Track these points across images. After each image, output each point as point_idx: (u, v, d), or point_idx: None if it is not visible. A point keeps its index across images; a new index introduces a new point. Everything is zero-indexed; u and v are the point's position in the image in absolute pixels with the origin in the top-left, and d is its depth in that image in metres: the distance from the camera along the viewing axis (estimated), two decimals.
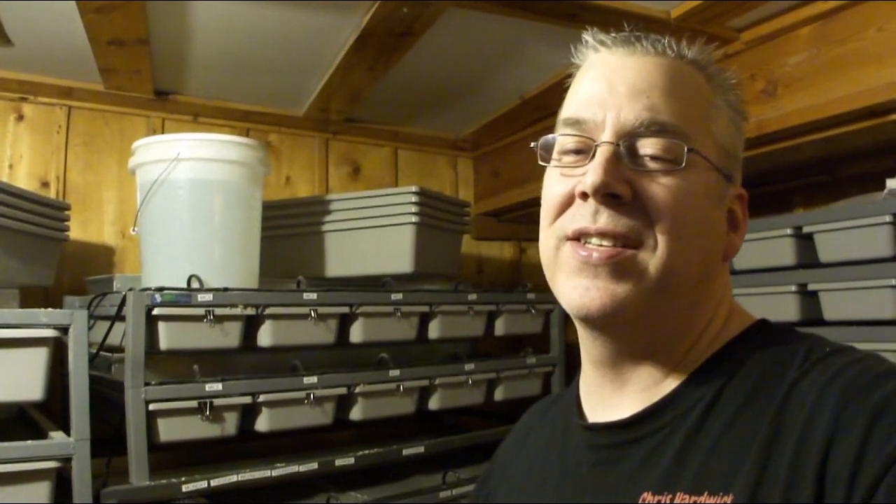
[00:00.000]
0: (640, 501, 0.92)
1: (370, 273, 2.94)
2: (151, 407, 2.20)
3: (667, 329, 1.00)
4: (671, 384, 0.99)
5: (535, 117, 3.44)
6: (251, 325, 2.48)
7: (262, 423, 2.44)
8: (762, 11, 2.40)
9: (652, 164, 0.96)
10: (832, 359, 0.90)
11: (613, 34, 1.04)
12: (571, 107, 1.03)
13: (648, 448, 0.96)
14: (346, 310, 2.64)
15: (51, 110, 3.10)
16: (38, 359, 1.97)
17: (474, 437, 3.07)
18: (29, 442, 1.97)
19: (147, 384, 2.20)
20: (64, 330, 2.03)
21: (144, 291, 2.25)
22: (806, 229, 2.29)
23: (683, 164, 0.95)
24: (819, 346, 0.94)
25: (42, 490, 1.94)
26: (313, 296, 2.55)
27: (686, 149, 0.95)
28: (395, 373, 2.72)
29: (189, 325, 2.31)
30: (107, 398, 2.32)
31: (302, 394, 2.49)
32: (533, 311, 3.19)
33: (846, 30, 2.25)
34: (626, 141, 0.96)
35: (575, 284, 0.97)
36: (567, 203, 1.00)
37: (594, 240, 0.96)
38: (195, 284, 2.37)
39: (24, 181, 2.97)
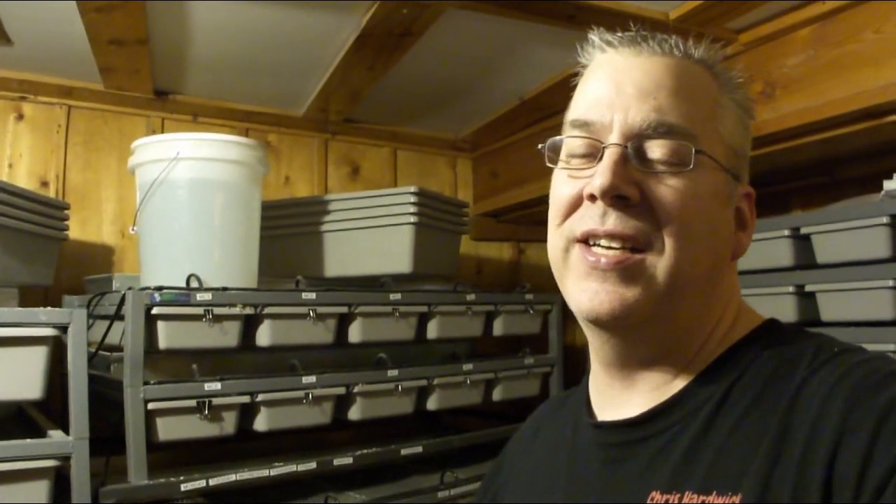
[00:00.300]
0: (648, 500, 0.92)
1: (369, 273, 2.95)
2: (150, 406, 2.20)
3: (676, 330, 1.00)
4: (680, 383, 1.00)
5: (535, 118, 3.44)
6: (250, 325, 2.48)
7: (261, 423, 2.45)
8: (761, 13, 2.41)
9: (660, 166, 0.96)
10: (841, 359, 0.90)
11: (620, 34, 1.04)
12: (579, 108, 1.03)
13: (657, 447, 0.96)
14: (344, 310, 2.65)
15: (50, 109, 3.11)
16: (37, 358, 1.97)
17: (472, 437, 3.07)
18: (28, 440, 1.97)
19: (146, 383, 2.20)
20: (63, 329, 2.03)
21: (143, 291, 2.25)
22: (804, 230, 2.30)
23: (691, 166, 0.95)
24: (827, 346, 0.94)
25: (41, 489, 1.94)
26: (312, 295, 2.55)
27: (694, 150, 0.95)
28: (393, 373, 2.73)
29: (188, 324, 2.31)
30: (106, 397, 2.32)
31: (300, 393, 2.49)
32: (531, 311, 3.20)
33: (844, 31, 2.25)
34: (634, 142, 0.96)
35: (584, 288, 0.97)
36: (575, 205, 1.00)
37: (603, 242, 0.96)
38: (194, 284, 2.37)
39: (23, 180, 2.97)
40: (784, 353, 0.95)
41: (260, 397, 2.41)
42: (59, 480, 2.00)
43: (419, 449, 2.80)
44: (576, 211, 1.00)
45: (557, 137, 1.05)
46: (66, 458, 1.99)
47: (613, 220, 0.95)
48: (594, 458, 1.05)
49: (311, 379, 2.52)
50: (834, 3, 2.24)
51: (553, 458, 1.16)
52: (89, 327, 2.16)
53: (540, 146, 1.07)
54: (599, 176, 0.94)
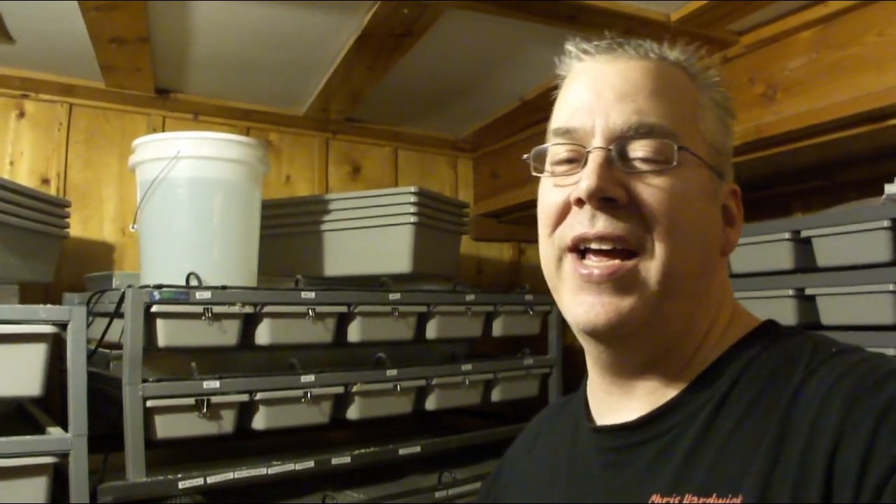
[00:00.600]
0: (649, 503, 0.92)
1: (368, 273, 2.95)
2: (149, 404, 2.20)
3: (672, 332, 1.00)
4: (679, 387, 1.00)
5: (535, 119, 3.44)
6: (249, 324, 2.48)
7: (259, 422, 2.44)
8: (762, 15, 2.41)
9: (644, 166, 0.96)
10: (839, 358, 0.90)
11: (595, 42, 1.05)
12: (561, 117, 1.04)
13: (657, 450, 0.96)
14: (344, 309, 2.64)
15: (52, 107, 3.11)
16: (36, 355, 1.97)
17: (471, 437, 3.07)
18: (27, 437, 1.97)
19: (145, 381, 2.20)
20: (63, 326, 2.03)
21: (143, 289, 2.25)
22: (804, 233, 2.29)
23: (675, 163, 0.96)
24: (825, 346, 0.94)
25: (39, 485, 1.94)
26: (311, 295, 2.55)
27: (676, 148, 0.96)
28: (392, 372, 2.73)
29: (187, 322, 2.31)
30: (105, 395, 2.32)
31: (299, 392, 2.49)
32: (531, 312, 3.19)
33: (846, 34, 2.25)
34: (617, 145, 0.97)
35: (580, 301, 0.98)
36: (564, 211, 1.00)
37: (593, 245, 0.96)
38: (194, 282, 2.37)
39: (24, 178, 2.98)
40: (782, 353, 0.95)
41: (258, 396, 2.41)
42: (58, 477, 2.00)
43: (417, 449, 2.80)
44: (565, 218, 1.00)
45: (541, 146, 1.06)
46: (64, 455, 1.99)
47: (602, 223, 0.96)
48: (594, 463, 1.05)
49: (310, 378, 2.51)
50: (836, 5, 2.24)
51: (553, 463, 1.16)
52: (89, 325, 2.16)
53: (525, 156, 1.08)
54: (585, 179, 0.95)
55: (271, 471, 2.42)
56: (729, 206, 1.06)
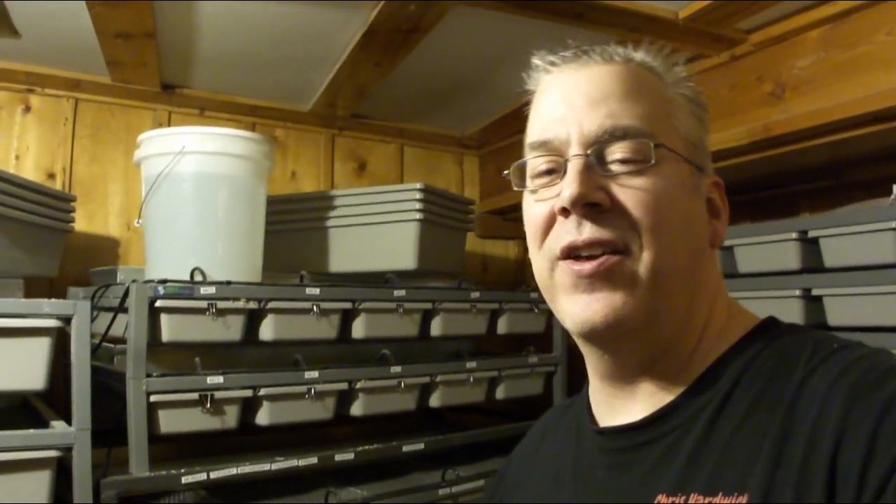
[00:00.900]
0: (655, 503, 0.92)
1: (373, 269, 2.94)
2: (152, 398, 2.20)
3: (668, 330, 1.00)
4: (681, 387, 1.00)
5: None
6: (253, 319, 2.48)
7: (263, 417, 2.44)
8: (771, 13, 2.40)
9: (623, 168, 0.97)
10: (840, 355, 0.90)
11: (562, 53, 1.06)
12: (536, 130, 1.05)
13: (661, 450, 0.97)
14: (348, 305, 2.64)
15: (58, 102, 3.11)
16: (40, 348, 1.97)
17: (474, 435, 3.06)
18: (30, 431, 1.98)
19: (149, 376, 2.20)
20: (67, 320, 2.03)
21: (147, 283, 2.25)
22: (812, 233, 2.28)
23: (653, 161, 0.97)
24: (826, 343, 0.94)
25: (42, 479, 1.94)
26: (316, 291, 2.55)
27: (653, 146, 0.97)
28: (396, 369, 2.72)
29: (191, 317, 2.31)
30: (109, 389, 2.32)
31: (303, 388, 2.49)
32: (536, 310, 3.19)
33: (856, 33, 2.24)
34: (595, 150, 0.98)
35: (575, 301, 0.98)
36: (550, 223, 1.01)
37: (584, 252, 0.97)
38: (198, 277, 2.37)
39: (30, 173, 2.97)
40: (783, 351, 0.95)
41: (262, 391, 2.40)
42: (61, 471, 2.00)
43: (421, 446, 2.79)
44: (552, 229, 1.01)
45: (520, 161, 1.07)
46: (67, 449, 1.99)
47: (590, 229, 0.96)
48: (599, 464, 1.06)
49: (314, 374, 2.51)
50: (845, 4, 2.24)
51: (558, 466, 1.16)
52: (93, 319, 2.16)
53: (505, 172, 1.10)
54: (567, 187, 0.96)
55: (274, 466, 2.42)
56: (713, 199, 1.07)
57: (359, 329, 2.68)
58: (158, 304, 2.25)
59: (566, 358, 3.25)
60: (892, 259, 2.05)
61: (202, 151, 2.46)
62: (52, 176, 3.06)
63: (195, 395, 2.28)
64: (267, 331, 2.48)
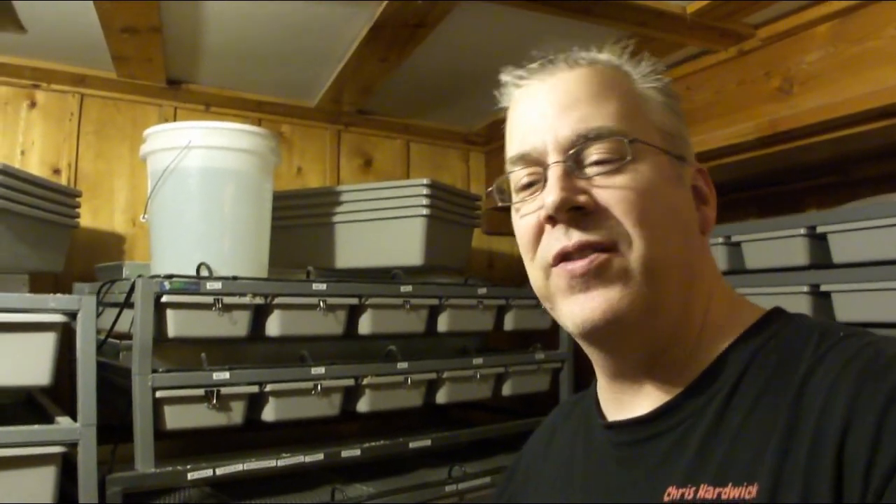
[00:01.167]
0: (665, 496, 0.92)
1: (380, 265, 2.94)
2: (158, 394, 2.20)
3: (668, 323, 1.00)
4: (688, 380, 1.00)
5: None
6: (260, 315, 2.47)
7: (269, 413, 2.44)
8: (779, 8, 2.39)
9: (602, 168, 0.98)
10: (846, 343, 0.90)
11: (529, 66, 1.08)
12: (513, 145, 1.07)
13: (670, 443, 0.97)
14: (355, 301, 2.64)
15: (63, 97, 3.11)
16: (46, 344, 1.97)
17: (481, 431, 3.07)
18: (35, 426, 1.97)
19: (154, 371, 2.20)
20: (72, 315, 2.03)
21: (153, 278, 2.25)
22: (820, 229, 2.27)
23: (629, 157, 0.98)
24: (833, 331, 0.94)
25: (47, 474, 1.93)
26: (322, 286, 2.54)
27: (628, 141, 0.98)
28: (403, 365, 2.72)
29: (197, 313, 2.31)
30: (114, 385, 2.32)
31: (309, 384, 2.49)
32: (542, 306, 3.17)
33: (864, 28, 2.24)
34: (572, 156, 0.99)
35: (573, 301, 0.99)
36: (539, 233, 1.02)
37: (575, 257, 0.97)
38: (204, 272, 2.37)
39: (35, 168, 2.97)
40: (790, 340, 0.95)
41: (268, 387, 2.40)
42: (66, 467, 1.99)
43: (427, 442, 2.79)
44: (541, 239, 1.02)
45: (502, 177, 1.09)
46: (73, 445, 1.98)
47: (578, 234, 0.97)
48: (609, 458, 1.06)
49: (321, 370, 2.51)
50: None
51: (569, 461, 1.16)
52: (99, 315, 2.16)
53: (488, 190, 1.14)
54: (549, 195, 0.97)
55: (281, 463, 2.41)
56: (699, 187, 1.08)
57: (365, 325, 2.67)
58: (164, 299, 2.24)
59: (573, 354, 3.24)
60: None
61: (208, 146, 2.45)
62: (57, 171, 3.06)
63: (201, 391, 2.28)
64: (273, 326, 2.47)
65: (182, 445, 2.67)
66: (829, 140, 2.39)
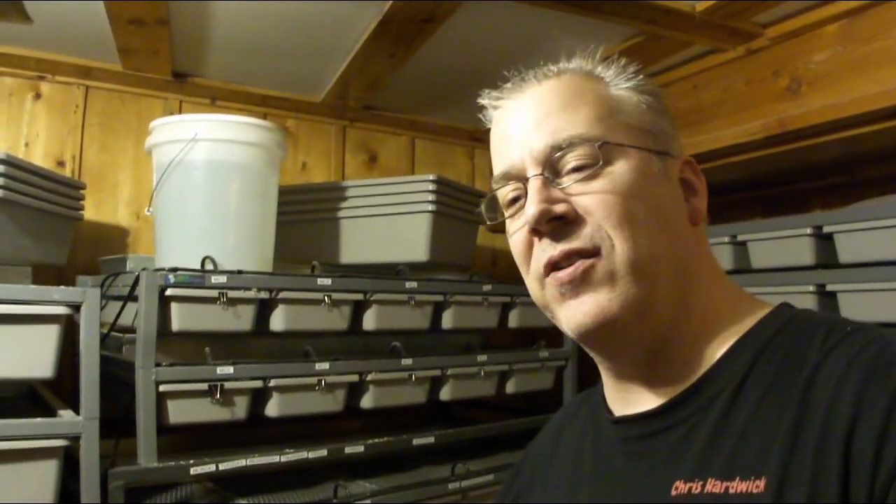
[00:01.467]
0: (672, 489, 0.93)
1: (385, 261, 2.93)
2: (162, 388, 2.19)
3: (665, 315, 1.01)
4: (695, 374, 1.00)
5: None
6: (264, 309, 2.47)
7: (273, 408, 2.43)
8: (788, 7, 2.39)
9: (578, 175, 1.00)
10: (854, 337, 0.91)
11: (504, 86, 1.11)
12: (497, 164, 1.09)
13: (678, 437, 0.97)
14: (360, 296, 2.63)
15: (68, 89, 3.10)
16: (49, 336, 1.96)
17: (484, 428, 3.06)
18: (38, 419, 1.96)
19: (158, 365, 2.19)
20: (76, 308, 2.02)
21: (158, 272, 2.24)
22: (826, 229, 2.27)
23: (601, 161, 0.99)
24: (840, 326, 0.94)
25: (49, 468, 1.92)
26: (327, 281, 2.53)
27: (598, 145, 1.00)
28: (407, 362, 2.71)
29: (202, 306, 2.30)
30: (117, 378, 2.31)
31: (313, 380, 2.48)
32: None
33: (873, 28, 2.23)
34: (548, 168, 1.02)
35: (566, 307, 1.00)
36: (529, 247, 1.04)
37: (564, 265, 0.99)
38: (209, 266, 2.36)
39: (39, 160, 2.96)
40: (797, 335, 0.96)
41: (272, 383, 2.39)
42: (68, 461, 1.98)
43: (431, 439, 2.78)
44: (532, 253, 1.04)
45: (489, 196, 1.13)
46: (75, 438, 1.97)
47: (563, 243, 0.99)
48: (617, 453, 1.07)
49: (325, 366, 2.50)
50: None
51: (577, 457, 1.17)
52: (102, 308, 2.15)
53: (477, 210, 1.18)
54: (529, 207, 1.00)
55: (284, 458, 2.40)
56: (687, 178, 1.09)
57: (370, 321, 2.67)
58: (169, 292, 2.23)
59: (577, 353, 3.23)
60: None
61: (214, 139, 2.44)
62: (61, 163, 3.05)
63: (205, 386, 2.27)
64: (277, 321, 2.47)
65: (185, 440, 2.66)
66: (836, 140, 2.39)
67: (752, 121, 2.55)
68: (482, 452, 3.10)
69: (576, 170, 1.00)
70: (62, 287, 2.03)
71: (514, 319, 3.12)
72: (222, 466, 2.29)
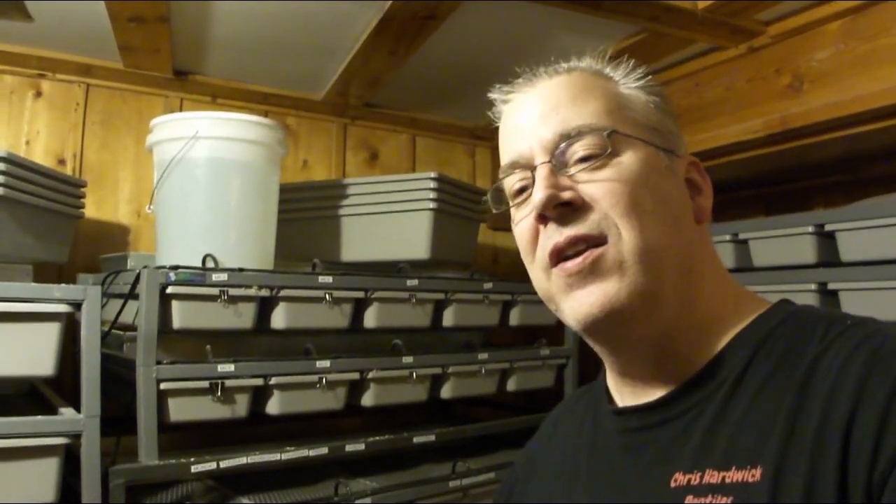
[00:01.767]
0: (671, 481, 0.94)
1: (386, 258, 2.93)
2: (162, 386, 2.19)
3: (669, 309, 1.01)
4: (695, 368, 1.01)
5: None
6: (265, 307, 2.46)
7: (274, 406, 2.43)
8: (790, 5, 2.38)
9: (586, 164, 1.01)
10: (854, 330, 0.91)
11: (514, 81, 1.13)
12: (505, 153, 1.11)
13: (678, 429, 0.98)
14: (361, 294, 2.63)
15: (69, 87, 3.10)
16: (50, 334, 1.96)
17: (485, 426, 3.06)
18: (39, 417, 1.96)
19: (159, 363, 2.19)
20: (77, 306, 2.02)
21: (159, 270, 2.23)
22: (828, 227, 2.26)
23: (610, 150, 1.01)
24: (840, 319, 0.95)
25: (50, 466, 1.92)
26: (328, 279, 2.53)
27: (607, 133, 1.01)
28: (408, 359, 2.71)
29: (203, 304, 2.30)
30: (118, 376, 2.31)
31: (314, 378, 2.48)
32: None
33: (875, 26, 2.23)
34: (556, 156, 1.03)
35: (572, 298, 1.01)
36: (535, 236, 1.05)
37: (569, 252, 1.00)
38: (210, 264, 2.36)
39: (40, 158, 2.95)
40: (797, 328, 0.97)
41: (273, 380, 2.39)
42: (69, 459, 1.99)
43: (431, 437, 2.78)
44: (538, 241, 1.05)
45: (496, 185, 1.15)
46: (76, 436, 1.97)
47: (568, 228, 1.00)
48: (615, 445, 1.08)
49: (326, 363, 2.50)
50: None
51: (575, 450, 1.18)
52: (103, 306, 2.15)
53: (483, 198, 1.22)
54: (536, 192, 1.01)
55: (284, 456, 2.40)
56: (692, 178, 1.10)
57: (371, 318, 2.67)
58: (170, 290, 2.23)
59: (577, 351, 3.24)
60: None
61: (216, 137, 2.44)
62: (62, 162, 3.05)
63: (206, 384, 2.27)
64: (278, 319, 2.46)
65: (186, 438, 2.66)
66: (839, 138, 2.38)
67: (754, 118, 2.55)
68: (483, 450, 3.11)
69: (584, 159, 1.01)
70: (63, 285, 2.03)
71: (515, 317, 3.12)
72: (223, 464, 2.28)
